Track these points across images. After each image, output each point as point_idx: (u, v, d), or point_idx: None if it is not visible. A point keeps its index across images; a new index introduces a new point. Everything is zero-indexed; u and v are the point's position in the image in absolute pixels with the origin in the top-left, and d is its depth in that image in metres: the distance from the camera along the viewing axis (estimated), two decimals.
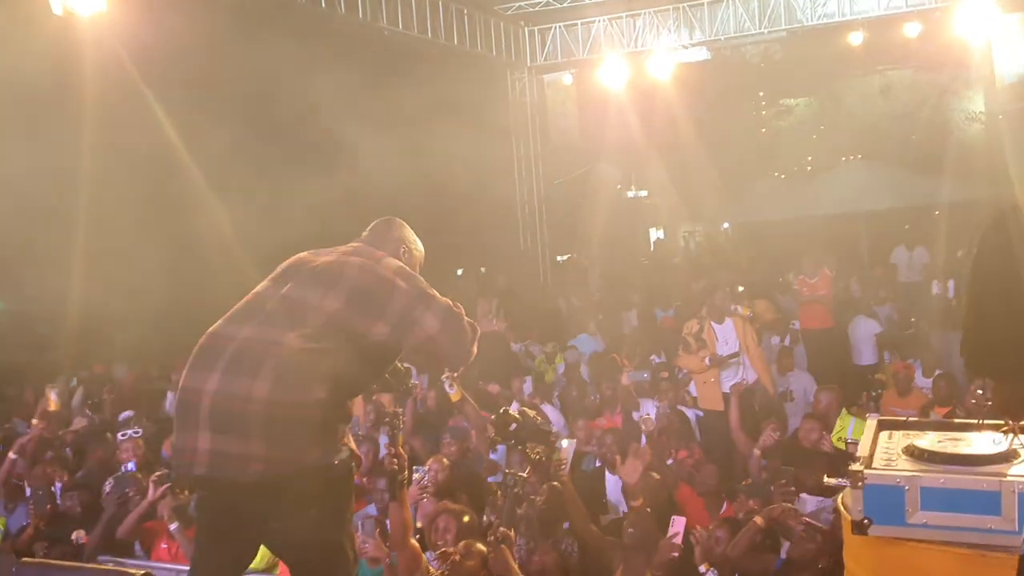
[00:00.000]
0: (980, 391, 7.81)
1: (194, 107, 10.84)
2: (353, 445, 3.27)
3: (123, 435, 6.94)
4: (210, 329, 3.19)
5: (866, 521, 2.38)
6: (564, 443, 4.68)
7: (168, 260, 11.25)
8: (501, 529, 4.11)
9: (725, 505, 5.78)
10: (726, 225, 22.26)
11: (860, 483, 2.39)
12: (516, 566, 4.15)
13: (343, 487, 3.19)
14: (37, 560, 4.67)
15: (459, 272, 18.42)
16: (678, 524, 4.78)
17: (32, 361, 11.01)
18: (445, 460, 6.20)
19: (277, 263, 3.48)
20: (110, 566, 5.21)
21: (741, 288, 12.52)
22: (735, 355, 8.42)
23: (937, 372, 8.67)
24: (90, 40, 9.04)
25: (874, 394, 9.38)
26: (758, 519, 4.93)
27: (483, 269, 18.53)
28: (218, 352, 3.07)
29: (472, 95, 16.29)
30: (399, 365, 5.06)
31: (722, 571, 4.85)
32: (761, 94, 22.41)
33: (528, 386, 8.78)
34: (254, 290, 3.31)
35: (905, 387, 8.60)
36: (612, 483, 6.39)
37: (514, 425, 4.12)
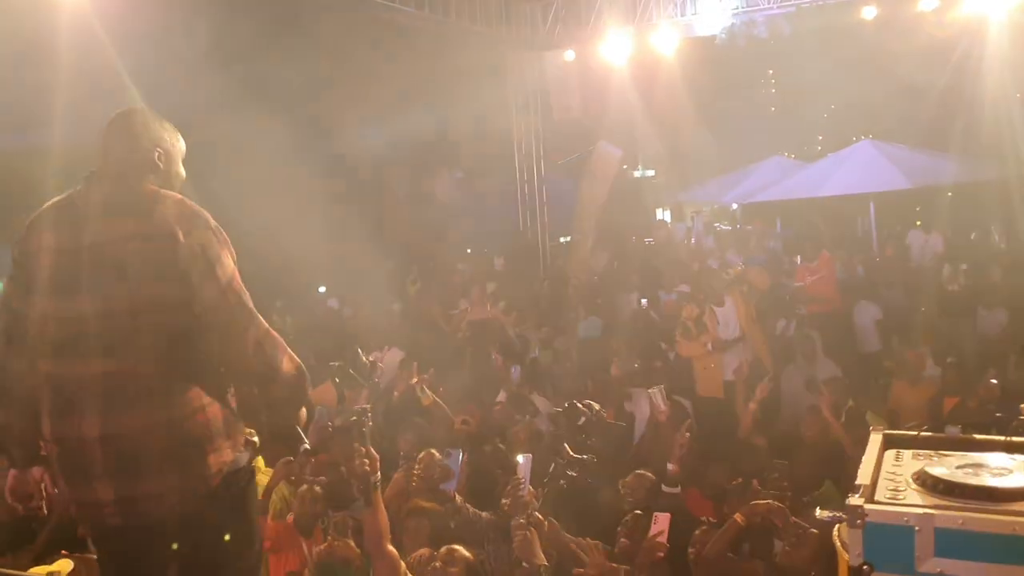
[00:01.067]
0: (994, 380, 7.51)
1: (182, 91, 10.51)
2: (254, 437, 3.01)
3: None
4: (48, 369, 2.73)
5: (866, 567, 1.93)
6: (520, 458, 4.26)
7: None
8: (536, 513, 3.83)
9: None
10: (735, 206, 21.83)
11: (860, 521, 1.93)
12: (542, 553, 3.85)
13: (252, 490, 2.98)
14: None
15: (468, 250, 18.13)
16: (662, 521, 4.43)
17: None
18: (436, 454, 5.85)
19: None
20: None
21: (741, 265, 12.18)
22: (738, 339, 8.08)
23: (948, 360, 8.30)
24: (67, 20, 8.71)
25: (882, 383, 9.04)
26: (738, 516, 4.53)
27: (468, 250, 18.19)
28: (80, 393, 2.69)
29: (470, 73, 15.90)
30: (363, 357, 4.75)
31: None
32: (771, 71, 21.90)
33: (516, 373, 8.44)
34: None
35: (916, 376, 8.24)
36: None
37: (583, 419, 3.89)
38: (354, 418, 4.15)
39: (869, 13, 14.80)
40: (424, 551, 4.46)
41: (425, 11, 13.49)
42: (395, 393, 8.01)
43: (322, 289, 15.44)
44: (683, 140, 19.42)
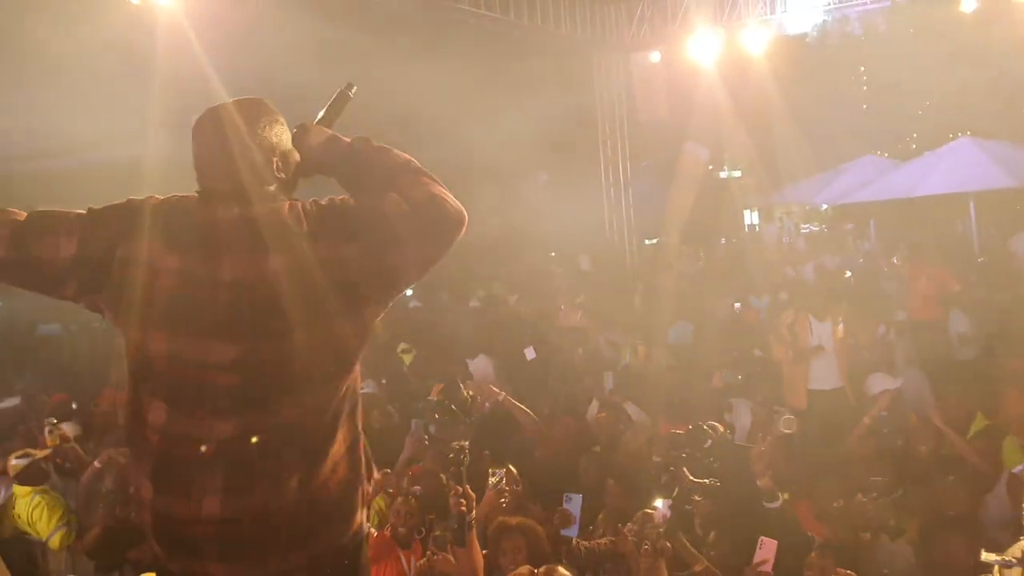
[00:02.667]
0: None
1: (279, 98, 10.72)
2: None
3: None
4: (159, 422, 2.19)
5: None
6: (660, 503, 4.00)
7: None
8: (662, 542, 3.74)
9: None
10: (824, 207, 21.28)
11: None
12: None
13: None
14: None
15: (552, 254, 18.09)
16: (767, 548, 4.07)
17: None
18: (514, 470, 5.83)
19: None
20: None
21: (849, 273, 11.87)
22: (818, 348, 7.86)
23: None
24: (164, 30, 8.97)
25: (988, 391, 8.66)
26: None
27: (552, 254, 18.13)
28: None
29: (556, 76, 15.88)
30: (464, 391, 4.54)
31: None
32: (862, 68, 21.27)
33: (609, 382, 8.36)
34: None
35: None
36: None
37: (709, 442, 3.77)
38: (451, 455, 4.10)
39: (968, 6, 14.25)
40: (524, 570, 4.43)
41: (511, 15, 13.54)
42: (486, 404, 8.02)
43: (409, 292, 15.62)
44: (772, 140, 19.02)
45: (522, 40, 14.70)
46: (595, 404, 7.43)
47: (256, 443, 2.14)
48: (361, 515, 2.35)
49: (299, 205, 2.25)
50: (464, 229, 2.26)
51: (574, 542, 4.68)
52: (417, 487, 5.68)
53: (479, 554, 3.87)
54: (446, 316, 12.66)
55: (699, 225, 17.19)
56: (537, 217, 18.13)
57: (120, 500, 6.18)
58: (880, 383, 7.35)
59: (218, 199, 2.25)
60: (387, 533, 5.22)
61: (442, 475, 5.48)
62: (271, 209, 2.23)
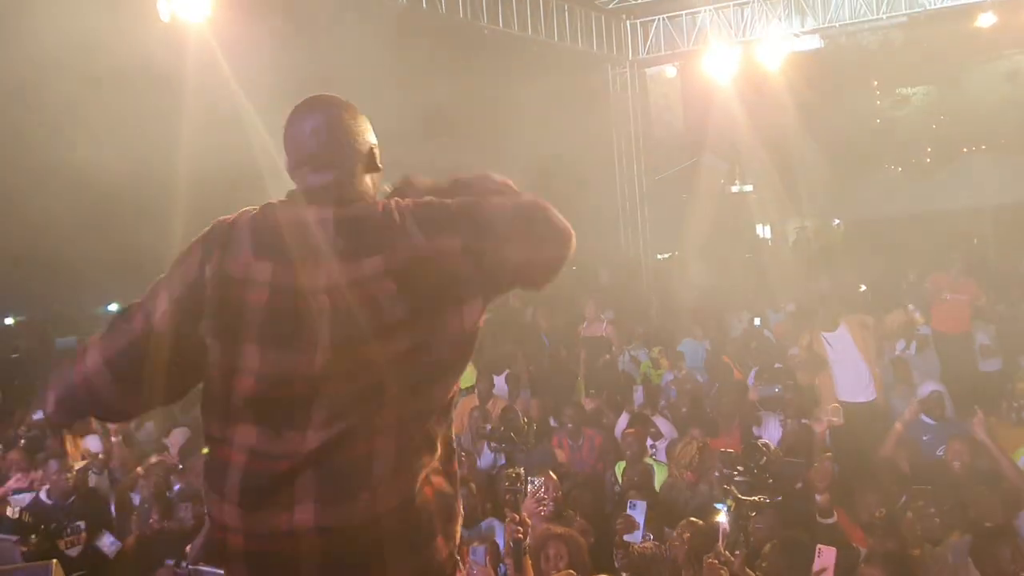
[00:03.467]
0: None
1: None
2: None
3: None
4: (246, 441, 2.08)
5: None
6: (721, 517, 3.93)
7: None
8: (724, 552, 3.75)
9: None
10: (837, 221, 21.30)
11: None
12: None
13: None
14: None
15: (573, 267, 18.12)
16: (826, 556, 3.98)
17: None
18: (555, 476, 5.87)
19: None
20: None
21: (863, 287, 11.85)
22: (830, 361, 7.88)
23: None
24: (194, 47, 9.06)
25: (1016, 404, 8.67)
26: None
27: (574, 268, 18.17)
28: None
29: (571, 90, 15.96)
30: (522, 419, 4.46)
31: None
32: (876, 83, 21.32)
33: (639, 396, 8.38)
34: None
35: None
36: None
37: (764, 458, 3.78)
38: (507, 484, 4.03)
39: (986, 20, 14.31)
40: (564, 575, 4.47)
41: (527, 31, 13.65)
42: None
43: None
44: (786, 155, 19.06)
45: (538, 55, 14.80)
46: (624, 417, 7.45)
47: (351, 451, 2.03)
48: (458, 531, 2.23)
49: (392, 203, 2.13)
50: (572, 244, 2.16)
51: (635, 547, 4.71)
52: None
53: None
54: None
55: (714, 239, 17.23)
56: None
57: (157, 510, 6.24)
58: (929, 387, 7.36)
59: (312, 198, 2.15)
60: None
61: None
62: (367, 207, 2.13)
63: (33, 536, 6.13)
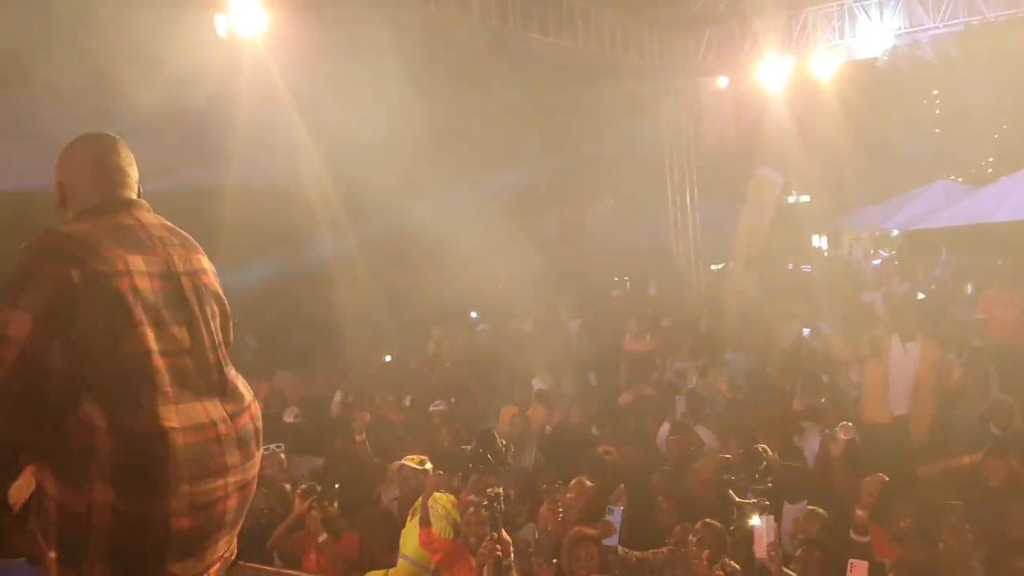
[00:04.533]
0: None
1: (353, 129, 11.13)
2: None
3: (266, 449, 7.02)
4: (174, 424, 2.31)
5: None
6: (757, 519, 4.00)
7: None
8: (731, 564, 3.86)
9: None
10: (895, 232, 20.95)
11: None
12: None
13: None
14: None
15: (625, 279, 18.17)
16: (859, 570, 4.08)
17: None
18: (588, 483, 5.94)
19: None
20: None
21: (922, 295, 11.69)
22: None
23: None
24: (250, 62, 9.35)
25: None
26: None
27: (626, 278, 18.20)
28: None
29: (623, 102, 16.03)
30: (499, 440, 4.68)
31: None
32: (935, 92, 20.96)
33: (681, 405, 8.41)
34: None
35: None
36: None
37: (764, 463, 3.87)
38: (485, 503, 4.29)
39: None
40: None
41: (579, 42, 13.72)
42: (547, 428, 8.15)
43: (473, 315, 15.78)
44: (841, 165, 18.84)
45: (589, 67, 14.88)
46: (666, 426, 7.50)
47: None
48: None
49: None
50: None
51: (620, 551, 4.89)
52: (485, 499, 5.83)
53: None
54: (512, 340, 12.79)
55: (767, 249, 17.08)
56: (602, 242, 18.23)
57: None
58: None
59: (138, 207, 2.49)
60: (460, 541, 5.41)
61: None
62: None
63: None
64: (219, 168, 11.55)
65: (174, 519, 2.27)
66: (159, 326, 2.31)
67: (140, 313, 2.28)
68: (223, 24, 9.39)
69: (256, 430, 2.55)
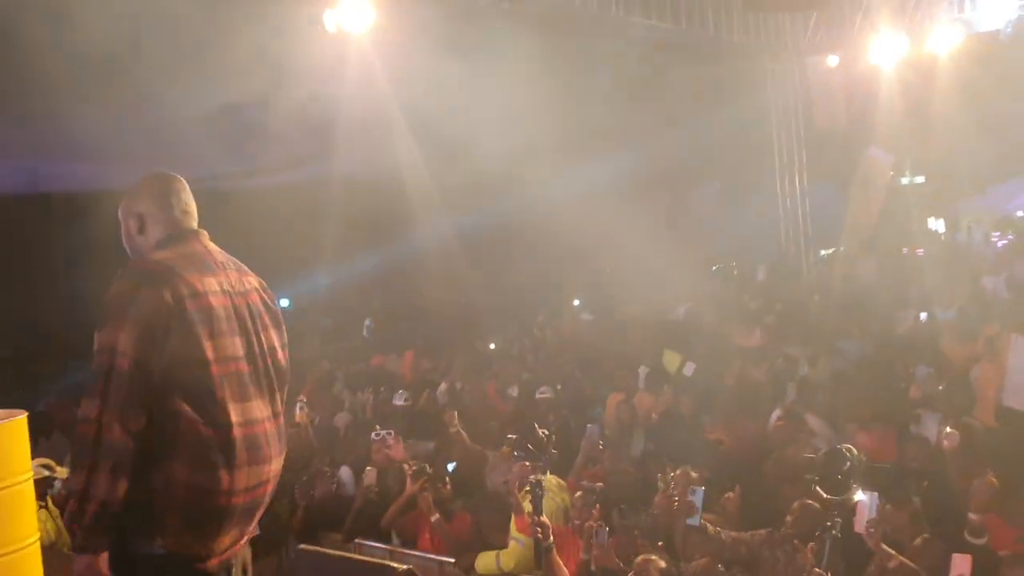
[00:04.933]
0: None
1: (456, 125, 11.29)
2: None
3: (376, 435, 7.25)
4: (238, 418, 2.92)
5: None
6: (863, 495, 4.09)
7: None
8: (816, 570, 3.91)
9: None
10: (1020, 213, 19.97)
11: None
12: None
13: None
14: (313, 548, 4.94)
15: (733, 265, 17.90)
16: (961, 564, 4.00)
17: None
18: (693, 473, 5.92)
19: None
20: (378, 557, 5.51)
21: None
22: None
23: None
24: (357, 57, 9.55)
25: None
26: None
27: (733, 264, 17.88)
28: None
29: (730, 84, 15.74)
30: (538, 431, 4.93)
31: None
32: None
33: (791, 392, 8.27)
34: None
35: None
36: None
37: (848, 464, 3.91)
38: (528, 488, 4.66)
39: None
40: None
41: (682, 24, 13.52)
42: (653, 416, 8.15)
43: (576, 303, 15.82)
44: (960, 145, 18.04)
45: (694, 48, 14.66)
46: (776, 411, 7.41)
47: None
48: None
49: None
50: None
51: (712, 530, 5.01)
52: (599, 483, 5.91)
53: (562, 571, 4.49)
54: (617, 328, 12.76)
55: (880, 233, 16.54)
56: (710, 228, 17.98)
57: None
58: None
59: (200, 236, 3.07)
60: (570, 528, 5.50)
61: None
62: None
63: None
64: (341, 161, 11.91)
65: (234, 497, 2.84)
66: (226, 336, 2.89)
67: (214, 326, 2.85)
68: (332, 20, 9.64)
69: (283, 429, 3.12)
